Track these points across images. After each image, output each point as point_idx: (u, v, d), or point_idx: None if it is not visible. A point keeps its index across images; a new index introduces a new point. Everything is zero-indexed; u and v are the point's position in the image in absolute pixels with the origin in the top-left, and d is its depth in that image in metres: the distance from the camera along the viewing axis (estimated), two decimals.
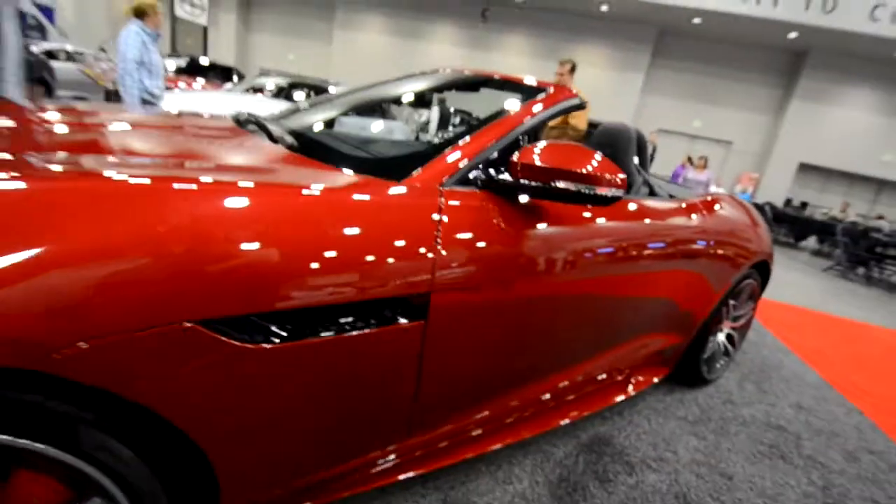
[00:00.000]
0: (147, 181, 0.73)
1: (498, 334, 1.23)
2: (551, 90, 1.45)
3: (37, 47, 7.14)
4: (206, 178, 0.80)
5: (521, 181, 1.10)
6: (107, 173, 0.75)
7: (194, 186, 0.75)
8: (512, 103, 1.37)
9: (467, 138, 1.19)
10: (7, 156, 0.82)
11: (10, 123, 1.11)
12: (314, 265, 0.80)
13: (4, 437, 0.62)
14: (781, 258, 7.35)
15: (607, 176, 1.10)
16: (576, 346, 1.59)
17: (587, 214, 1.36)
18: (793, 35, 11.32)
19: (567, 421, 1.61)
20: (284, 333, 0.80)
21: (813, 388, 2.67)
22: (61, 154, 0.89)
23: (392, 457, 1.17)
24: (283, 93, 7.25)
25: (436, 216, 0.99)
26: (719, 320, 2.28)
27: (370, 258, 0.87)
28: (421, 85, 1.99)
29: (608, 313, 1.62)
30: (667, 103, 13.59)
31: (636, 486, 1.58)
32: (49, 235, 0.61)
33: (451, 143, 1.18)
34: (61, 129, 1.15)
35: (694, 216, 1.92)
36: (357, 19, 15.08)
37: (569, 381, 1.60)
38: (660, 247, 1.68)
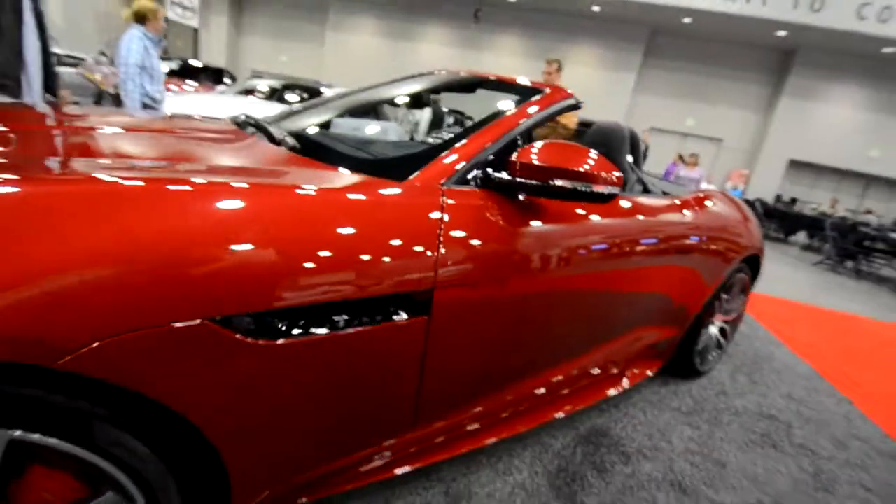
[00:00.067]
0: (163, 183, 0.76)
1: (498, 330, 1.27)
2: (548, 91, 1.49)
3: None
4: (222, 180, 0.83)
5: (520, 180, 1.13)
6: (124, 176, 0.77)
7: (211, 188, 0.79)
8: (509, 104, 1.41)
9: (466, 139, 1.23)
10: (22, 160, 0.84)
11: (28, 128, 1.13)
12: (324, 263, 0.84)
13: (19, 432, 0.64)
14: (772, 253, 7.45)
15: (603, 174, 1.14)
16: (574, 340, 1.63)
17: (583, 212, 1.40)
18: (781, 33, 11.45)
19: (564, 414, 1.65)
20: (295, 330, 0.83)
21: (804, 379, 2.73)
22: (78, 158, 0.92)
23: (396, 450, 1.21)
24: (276, 95, 7.25)
25: (438, 215, 1.03)
26: (712, 313, 2.33)
27: (376, 256, 0.91)
28: (419, 87, 2.03)
29: (605, 308, 1.67)
30: (659, 102, 13.70)
31: (632, 474, 1.63)
32: (67, 236, 0.63)
33: (450, 143, 1.22)
34: (78, 133, 1.18)
35: (687, 212, 1.97)
36: (349, 21, 15.06)
37: (567, 374, 1.64)
38: (654, 243, 1.73)
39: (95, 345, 0.64)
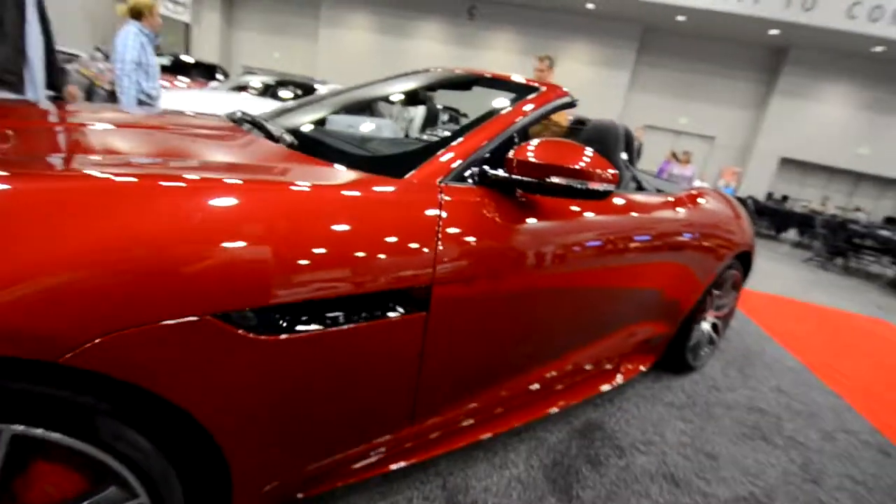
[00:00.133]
0: (164, 180, 0.76)
1: (496, 325, 1.28)
2: (543, 89, 1.50)
3: None
4: (222, 177, 0.83)
5: (517, 177, 1.15)
6: (125, 172, 0.78)
7: (211, 185, 0.79)
8: (506, 102, 1.42)
9: (463, 137, 1.24)
10: (21, 157, 0.85)
11: (28, 125, 1.13)
12: (324, 259, 0.85)
13: (22, 427, 0.65)
14: (763, 250, 7.53)
15: (599, 171, 1.16)
16: (569, 335, 1.65)
17: (579, 209, 1.42)
18: (773, 32, 11.55)
19: (559, 408, 1.67)
20: (295, 325, 0.84)
21: (793, 374, 2.78)
22: (77, 155, 0.92)
23: (393, 445, 1.22)
24: (270, 91, 7.20)
25: (436, 212, 1.04)
26: (704, 309, 2.36)
27: (376, 253, 0.92)
28: (415, 84, 2.03)
29: (600, 303, 1.69)
30: (652, 100, 13.77)
31: (626, 467, 1.65)
32: (69, 233, 0.64)
33: (448, 141, 1.23)
34: (77, 130, 1.18)
35: (680, 210, 1.99)
36: (343, 17, 14.99)
37: (562, 369, 1.66)
38: (648, 239, 1.75)
39: (98, 340, 0.64)
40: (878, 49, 11.25)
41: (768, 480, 1.73)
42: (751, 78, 13.21)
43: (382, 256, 0.93)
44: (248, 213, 0.79)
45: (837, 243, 7.55)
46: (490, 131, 1.27)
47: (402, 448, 1.25)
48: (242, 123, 1.53)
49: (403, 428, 1.21)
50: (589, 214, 1.46)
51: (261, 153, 1.19)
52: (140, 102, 3.22)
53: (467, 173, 1.18)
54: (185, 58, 10.45)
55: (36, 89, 1.90)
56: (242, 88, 7.26)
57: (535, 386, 1.58)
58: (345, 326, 0.91)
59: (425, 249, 1.00)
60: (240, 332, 0.77)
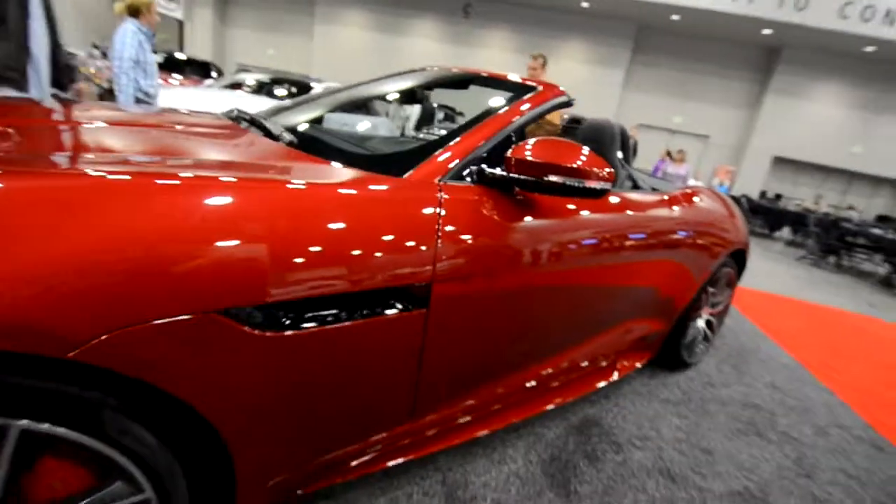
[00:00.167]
0: (171, 179, 0.77)
1: (494, 322, 1.30)
2: (541, 88, 1.51)
3: None
4: (227, 176, 0.84)
5: (515, 175, 1.16)
6: (132, 171, 0.78)
7: (216, 183, 0.80)
8: (504, 102, 1.43)
9: (462, 136, 1.25)
10: (23, 156, 0.85)
11: (30, 123, 1.13)
12: (326, 257, 0.86)
13: (27, 421, 0.65)
14: (757, 248, 7.60)
15: (595, 170, 1.17)
16: (566, 332, 1.67)
17: (574, 207, 1.43)
18: (767, 32, 11.62)
19: (557, 404, 1.69)
20: (298, 322, 0.85)
21: (787, 370, 2.81)
22: (83, 153, 0.93)
23: (394, 441, 1.23)
24: (265, 89, 7.16)
25: (436, 210, 1.05)
26: (699, 307, 2.39)
27: (377, 250, 0.93)
28: (413, 83, 2.04)
29: (596, 300, 1.71)
30: (647, 99, 13.82)
31: (623, 463, 1.67)
32: (77, 231, 0.64)
33: (446, 140, 1.24)
34: (79, 128, 1.18)
35: (675, 208, 2.01)
36: (338, 14, 14.93)
37: (560, 366, 1.68)
38: (644, 238, 1.77)
39: (104, 336, 0.65)
40: (870, 49, 11.35)
41: (763, 475, 1.76)
42: (745, 77, 13.29)
43: (384, 254, 0.94)
44: (252, 211, 0.80)
45: (830, 241, 7.62)
46: (488, 131, 1.28)
47: (402, 444, 1.26)
48: (241, 122, 1.53)
49: (404, 424, 1.23)
50: (586, 213, 1.47)
51: (262, 152, 1.19)
52: (138, 101, 3.20)
53: (465, 172, 1.19)
54: (178, 55, 10.37)
55: (41, 86, 1.89)
56: (237, 86, 7.21)
57: (533, 382, 1.60)
58: (346, 323, 0.92)
59: (425, 247, 1.01)
60: (244, 328, 0.78)
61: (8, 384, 0.64)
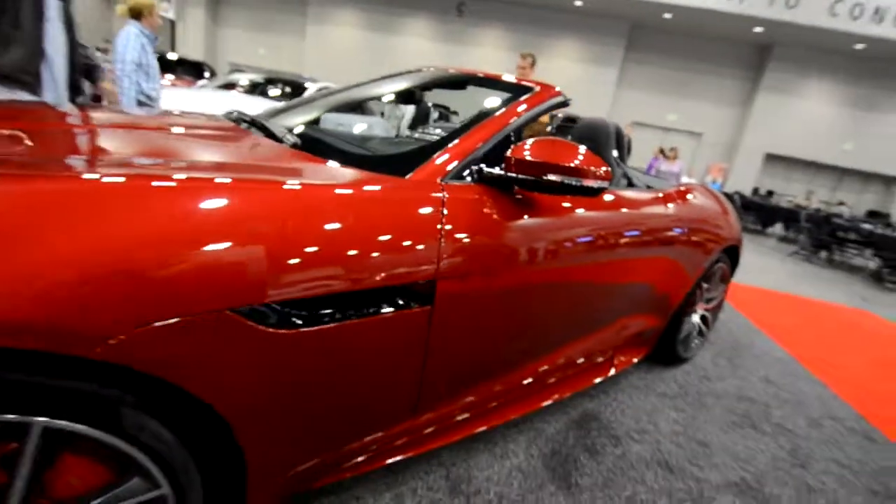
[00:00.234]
0: (187, 181, 0.79)
1: (496, 319, 1.32)
2: (538, 89, 1.54)
3: None
4: (240, 178, 0.86)
5: (515, 175, 1.19)
6: (149, 174, 0.80)
7: (229, 185, 0.82)
8: (502, 102, 1.46)
9: (462, 136, 1.27)
10: (45, 159, 0.86)
11: (48, 127, 1.15)
12: (336, 256, 0.88)
13: (45, 419, 0.67)
14: (750, 244, 7.67)
15: (593, 169, 1.20)
16: (565, 328, 1.70)
17: (574, 206, 1.46)
18: (758, 30, 11.72)
19: (556, 399, 1.72)
20: (310, 319, 0.87)
21: (781, 364, 2.86)
22: (96, 156, 0.95)
23: (398, 436, 1.25)
24: (259, 89, 7.14)
25: (438, 209, 1.07)
26: (694, 302, 2.43)
27: (384, 249, 0.95)
28: (412, 83, 2.06)
29: (595, 297, 1.74)
30: (641, 97, 13.89)
31: (622, 455, 1.70)
32: (98, 232, 0.66)
33: (447, 141, 1.26)
34: (95, 132, 1.20)
35: (670, 206, 2.04)
36: (330, 13, 14.89)
37: (559, 361, 1.71)
38: (640, 235, 1.81)
39: (124, 336, 0.67)
40: (860, 46, 11.47)
41: (758, 466, 1.80)
42: (737, 75, 13.39)
43: (391, 252, 0.96)
44: (268, 212, 0.82)
45: (822, 237, 7.72)
46: (487, 131, 1.30)
47: (407, 439, 1.28)
48: (243, 123, 1.55)
49: (408, 419, 1.25)
50: (584, 211, 1.50)
51: (269, 154, 1.21)
52: (140, 103, 3.20)
53: (465, 172, 1.21)
54: (170, 55, 10.29)
55: (57, 89, 1.86)
56: (231, 86, 7.18)
57: (534, 378, 1.62)
58: (356, 320, 0.94)
59: (430, 245, 1.03)
60: (258, 326, 0.80)
61: (31, 383, 0.66)
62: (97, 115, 1.40)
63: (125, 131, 1.22)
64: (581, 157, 1.20)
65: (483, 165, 1.23)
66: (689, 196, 2.24)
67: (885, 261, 6.87)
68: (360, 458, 1.20)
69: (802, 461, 1.89)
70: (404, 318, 1.04)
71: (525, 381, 1.60)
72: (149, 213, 0.71)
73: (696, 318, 2.55)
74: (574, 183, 1.18)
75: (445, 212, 1.08)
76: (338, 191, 0.96)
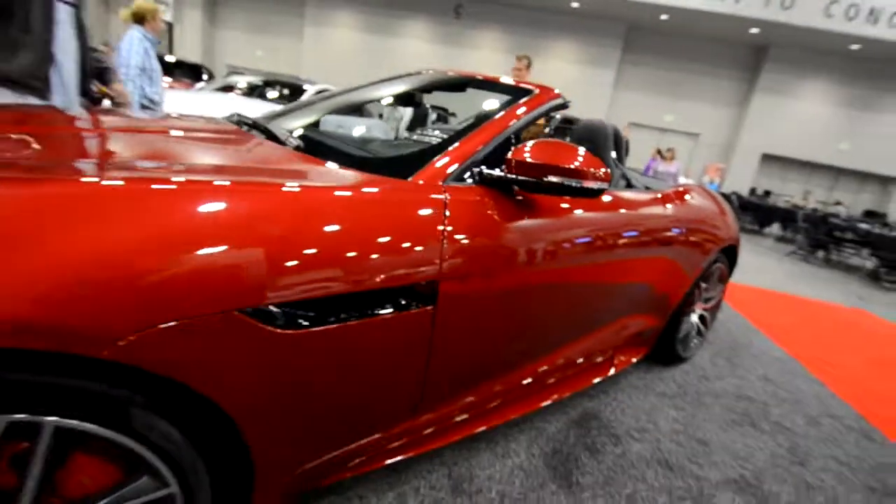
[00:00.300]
0: (192, 185, 0.80)
1: (497, 319, 1.33)
2: (537, 91, 1.56)
3: None
4: (247, 180, 0.88)
5: (516, 176, 1.20)
6: (157, 176, 0.82)
7: (238, 188, 0.83)
8: (502, 105, 1.47)
9: (463, 139, 1.29)
10: (55, 162, 0.88)
11: (56, 131, 1.16)
12: (342, 257, 0.89)
13: (64, 420, 0.68)
14: (748, 244, 7.71)
15: (592, 170, 1.21)
16: (566, 328, 1.71)
17: (575, 207, 1.47)
18: (754, 31, 11.78)
19: (556, 399, 1.73)
20: (316, 320, 0.88)
21: (779, 363, 2.88)
22: (105, 160, 0.96)
23: (401, 435, 1.27)
24: (257, 91, 7.14)
25: (441, 211, 1.09)
26: (692, 302, 2.44)
27: (389, 250, 0.97)
28: (413, 86, 2.08)
29: (596, 297, 1.75)
30: (638, 98, 13.95)
31: (623, 454, 1.72)
32: (111, 233, 0.67)
33: (448, 143, 1.28)
34: (102, 136, 1.22)
35: (668, 206, 2.06)
36: (328, 15, 14.91)
37: (560, 361, 1.72)
38: (639, 235, 1.82)
39: (134, 336, 0.68)
40: (855, 47, 11.54)
41: (757, 463, 1.81)
42: (733, 76, 13.46)
43: (395, 253, 0.98)
44: (276, 215, 0.83)
45: (819, 237, 7.75)
46: (488, 134, 1.32)
47: (409, 439, 1.29)
48: (245, 126, 1.56)
49: (410, 419, 1.26)
50: (584, 213, 1.51)
51: (274, 156, 1.22)
52: (143, 108, 3.22)
53: (466, 174, 1.23)
54: (168, 58, 10.29)
55: (67, 93, 1.86)
56: (229, 89, 7.19)
57: (535, 378, 1.64)
58: (361, 320, 0.95)
59: (433, 246, 1.04)
60: (266, 326, 0.81)
61: (43, 384, 0.67)
62: (105, 119, 1.42)
63: (132, 135, 1.23)
64: (581, 159, 1.21)
65: (483, 167, 1.24)
66: (687, 197, 2.26)
67: (881, 260, 6.91)
68: (363, 457, 1.21)
69: (801, 459, 1.91)
70: (408, 318, 1.05)
71: (525, 381, 1.61)
72: (159, 216, 0.72)
73: (694, 318, 2.57)
74: (574, 184, 1.20)
75: (448, 213, 1.10)
76: (343, 193, 0.97)
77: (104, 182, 0.76)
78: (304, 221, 0.86)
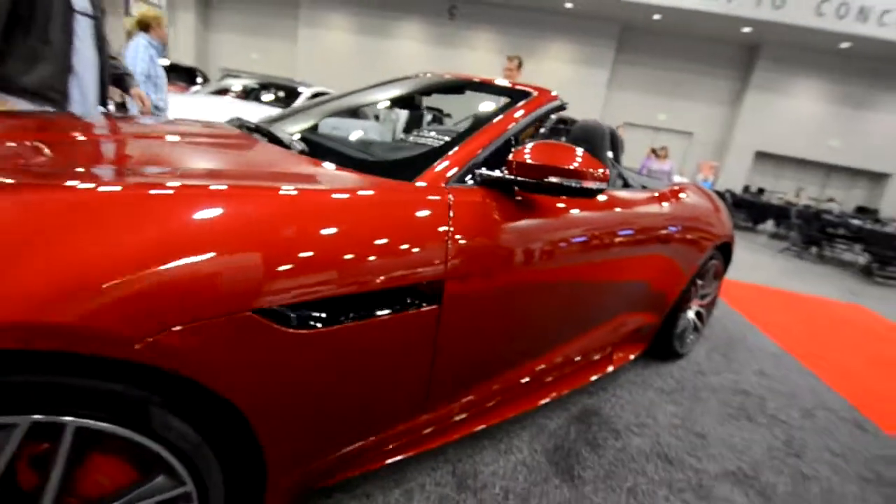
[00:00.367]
0: (205, 189, 0.83)
1: (500, 317, 1.36)
2: (535, 94, 1.59)
3: None
4: (261, 184, 0.90)
5: (516, 177, 1.23)
6: (176, 181, 0.83)
7: (253, 192, 0.86)
8: (501, 107, 1.50)
9: (464, 142, 1.31)
10: (62, 168, 0.90)
11: (75, 137, 1.18)
12: (351, 258, 0.92)
13: (82, 420, 0.70)
14: (742, 241, 7.77)
15: (591, 170, 1.24)
16: (565, 326, 1.74)
17: (573, 207, 1.50)
18: (746, 30, 11.88)
19: (556, 396, 1.76)
20: (327, 320, 0.91)
21: (774, 357, 2.92)
22: (123, 165, 0.98)
23: (407, 433, 1.29)
24: (252, 94, 7.14)
25: (445, 212, 1.11)
26: (689, 299, 2.48)
27: (395, 251, 0.99)
28: (412, 89, 2.10)
29: (593, 295, 1.78)
30: (631, 97, 14.02)
31: (623, 449, 1.75)
32: (132, 237, 0.69)
33: (450, 146, 1.30)
34: (119, 142, 1.25)
35: (664, 205, 2.10)
36: (322, 17, 14.89)
37: (559, 358, 1.75)
38: (636, 233, 1.86)
39: (153, 338, 0.70)
40: (846, 45, 11.66)
41: (754, 456, 1.85)
42: (726, 75, 13.56)
43: (401, 254, 1.00)
44: (289, 217, 0.86)
45: (812, 233, 7.83)
46: (488, 136, 1.35)
47: (414, 437, 1.32)
48: (247, 130, 1.58)
49: (417, 417, 1.29)
50: (583, 212, 1.54)
51: (280, 160, 1.24)
52: None
53: (468, 175, 1.26)
54: (162, 61, 10.22)
55: (86, 104, 1.87)
56: (224, 92, 7.18)
57: (536, 375, 1.66)
58: (370, 320, 0.98)
59: (438, 247, 1.07)
60: (279, 327, 0.83)
61: (66, 385, 0.69)
62: (119, 126, 1.44)
63: (145, 141, 1.25)
64: (579, 160, 1.24)
65: (483, 169, 1.27)
66: (682, 195, 2.29)
67: (874, 255, 6.99)
68: (370, 455, 1.23)
69: (797, 450, 1.94)
70: (415, 317, 1.07)
71: (528, 378, 1.64)
72: (179, 220, 0.75)
73: (691, 315, 2.61)
74: (573, 184, 1.22)
75: (452, 214, 1.12)
76: (348, 196, 0.99)
77: (126, 189, 0.78)
78: (317, 224, 0.89)
